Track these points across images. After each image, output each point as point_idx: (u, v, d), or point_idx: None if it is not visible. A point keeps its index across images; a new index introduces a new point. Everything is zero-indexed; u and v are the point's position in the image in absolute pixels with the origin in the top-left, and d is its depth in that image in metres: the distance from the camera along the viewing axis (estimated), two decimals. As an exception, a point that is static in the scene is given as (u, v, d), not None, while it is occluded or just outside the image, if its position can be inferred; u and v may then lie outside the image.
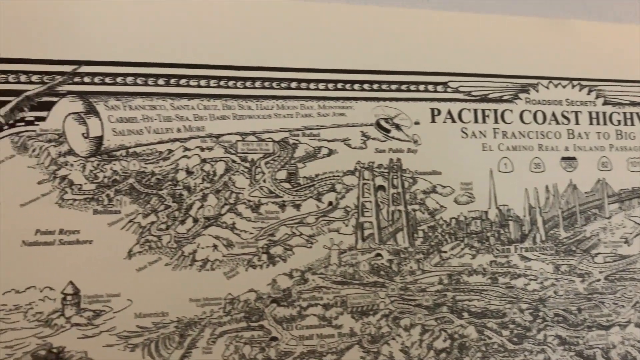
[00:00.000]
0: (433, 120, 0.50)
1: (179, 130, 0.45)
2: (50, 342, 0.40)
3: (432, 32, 0.52)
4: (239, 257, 0.44)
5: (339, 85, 0.49)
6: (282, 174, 0.46)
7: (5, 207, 0.41)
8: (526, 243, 0.51)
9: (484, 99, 0.52)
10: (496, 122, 0.52)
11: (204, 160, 0.45)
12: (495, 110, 0.52)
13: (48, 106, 0.43)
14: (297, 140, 0.47)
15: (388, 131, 0.49)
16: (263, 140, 0.46)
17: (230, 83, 0.46)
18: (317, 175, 0.47)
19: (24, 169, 0.41)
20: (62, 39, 0.43)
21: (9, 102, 0.42)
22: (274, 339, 0.44)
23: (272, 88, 0.47)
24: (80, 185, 0.42)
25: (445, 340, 0.48)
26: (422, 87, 0.51)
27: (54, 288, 0.41)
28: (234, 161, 0.46)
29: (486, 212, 0.50)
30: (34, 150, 0.42)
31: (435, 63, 0.51)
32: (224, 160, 0.45)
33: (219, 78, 0.46)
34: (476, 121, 0.52)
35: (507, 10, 0.54)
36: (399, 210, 0.48)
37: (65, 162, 0.42)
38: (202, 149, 0.45)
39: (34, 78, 0.43)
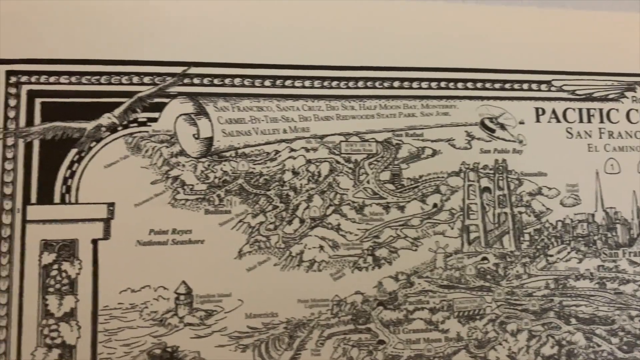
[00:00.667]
0: (537, 120, 0.49)
1: (284, 131, 0.45)
2: (164, 342, 0.41)
3: (535, 30, 0.50)
4: (345, 259, 0.44)
5: (443, 84, 0.48)
6: (385, 175, 0.46)
7: (121, 207, 0.42)
8: (635, 247, 0.49)
9: (589, 97, 0.50)
10: (602, 121, 0.50)
11: (309, 161, 0.45)
12: (601, 110, 0.50)
13: (160, 107, 0.43)
14: (400, 140, 0.46)
15: (493, 131, 0.48)
16: (366, 140, 0.46)
17: (334, 83, 0.46)
18: (421, 177, 0.46)
19: (137, 169, 0.42)
20: (172, 40, 0.44)
21: (122, 103, 0.43)
22: (382, 342, 0.43)
23: (375, 88, 0.47)
24: (192, 185, 0.43)
25: (552, 347, 0.46)
26: (525, 86, 0.49)
27: (168, 287, 0.41)
28: (338, 162, 0.45)
29: (593, 215, 0.49)
30: (147, 151, 0.42)
31: (539, 61, 0.50)
32: (328, 161, 0.45)
33: (323, 79, 0.46)
34: (581, 121, 0.50)
35: (612, 7, 0.52)
36: (505, 213, 0.47)
37: (177, 163, 0.43)
38: (307, 150, 0.45)
39: (146, 79, 0.43)
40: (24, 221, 0.40)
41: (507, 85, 0.49)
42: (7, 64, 0.42)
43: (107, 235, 0.41)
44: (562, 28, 0.51)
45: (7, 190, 0.41)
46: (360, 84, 0.46)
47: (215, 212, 0.43)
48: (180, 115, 0.43)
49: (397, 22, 0.48)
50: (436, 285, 0.45)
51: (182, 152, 0.43)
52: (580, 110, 0.50)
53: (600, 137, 0.50)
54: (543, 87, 0.49)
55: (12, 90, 0.42)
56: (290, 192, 0.44)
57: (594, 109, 0.50)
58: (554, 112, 0.49)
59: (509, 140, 0.48)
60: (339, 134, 0.45)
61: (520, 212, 0.47)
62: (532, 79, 0.49)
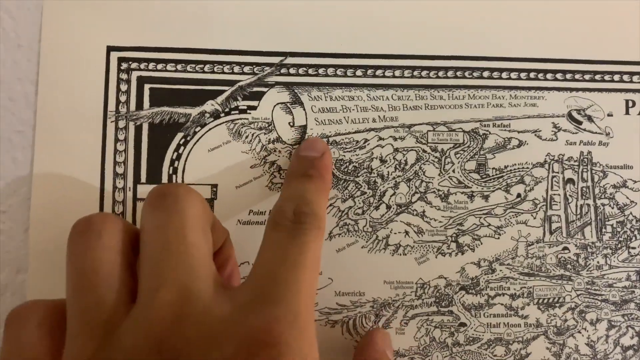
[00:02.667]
0: (627, 112, 0.49)
1: (374, 120, 0.46)
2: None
3: (625, 19, 0.49)
4: (429, 244, 0.46)
5: (532, 75, 0.48)
6: (471, 165, 0.47)
7: (223, 188, 0.45)
8: None
9: (682, 89, 0.49)
10: (694, 114, 0.49)
11: (396, 150, 0.46)
12: (694, 102, 0.49)
13: (258, 96, 0.45)
14: (487, 131, 0.47)
15: (580, 123, 0.48)
16: (453, 130, 0.47)
17: (424, 73, 0.47)
18: (506, 167, 0.47)
19: (238, 153, 0.45)
20: (271, 31, 0.46)
21: (224, 91, 0.45)
22: (463, 324, 0.46)
23: (464, 77, 0.47)
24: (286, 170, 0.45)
25: (632, 338, 0.47)
26: (617, 77, 0.49)
27: (264, 264, 0.44)
28: (424, 151, 0.47)
29: (679, 209, 0.48)
30: (246, 137, 0.45)
31: (631, 51, 0.49)
32: (415, 150, 0.47)
33: (413, 68, 0.47)
34: (672, 113, 0.49)
35: None
36: (588, 204, 0.48)
37: (274, 149, 0.45)
38: (395, 139, 0.46)
39: (246, 69, 0.46)
40: (135, 199, 0.44)
41: (597, 77, 0.48)
42: (119, 51, 0.45)
43: None
44: (658, 17, 0.49)
45: (119, 170, 0.44)
46: (449, 73, 0.47)
47: (309, 196, 0.45)
48: (277, 104, 0.46)
49: (486, 12, 0.48)
50: (517, 272, 0.46)
51: (278, 139, 0.45)
52: (672, 102, 0.49)
53: (692, 130, 0.49)
54: (635, 78, 0.49)
55: (124, 76, 0.45)
56: (377, 179, 0.46)
57: (687, 101, 0.49)
58: (644, 104, 0.49)
59: (596, 133, 0.48)
60: (427, 124, 0.47)
61: (604, 205, 0.48)
62: (623, 70, 0.49)
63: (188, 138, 0.45)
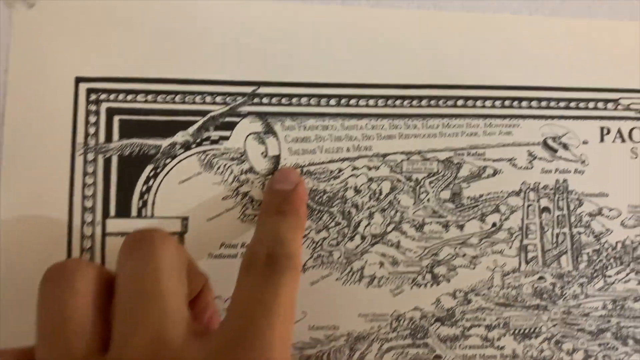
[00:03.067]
0: (602, 140, 0.48)
1: (348, 149, 0.46)
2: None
3: (599, 46, 0.49)
4: (405, 275, 0.45)
5: (507, 103, 0.48)
6: (446, 194, 0.46)
7: (194, 221, 0.44)
8: (697, 270, 0.48)
9: (657, 116, 0.49)
10: (669, 140, 0.49)
11: (370, 179, 0.46)
12: (669, 128, 0.49)
13: (231, 126, 0.45)
14: (461, 159, 0.47)
15: (555, 151, 0.48)
16: (427, 159, 0.47)
17: (398, 102, 0.47)
18: (481, 196, 0.47)
19: (209, 185, 0.44)
20: (243, 60, 0.45)
21: (196, 122, 0.45)
22: (438, 357, 0.45)
23: (438, 106, 0.47)
24: (260, 201, 0.44)
25: (608, 368, 0.47)
26: (591, 105, 0.49)
27: (236, 297, 0.44)
28: (399, 180, 0.46)
29: (654, 236, 0.48)
30: (218, 168, 0.44)
31: (606, 79, 0.49)
32: (389, 180, 0.46)
33: (387, 97, 0.47)
34: (647, 140, 0.49)
35: (687, 19, 0.50)
36: (564, 233, 0.47)
37: (247, 180, 0.44)
38: (369, 168, 0.46)
39: (218, 99, 0.45)
40: (104, 234, 0.43)
41: (572, 104, 0.48)
42: (88, 82, 0.44)
43: None
44: (633, 43, 0.49)
45: (88, 204, 0.43)
46: (423, 102, 0.47)
47: (282, 228, 0.44)
48: (250, 133, 0.45)
49: (460, 41, 0.48)
50: (493, 302, 0.46)
51: (251, 170, 0.45)
52: (646, 129, 0.49)
53: (667, 157, 0.49)
54: (610, 105, 0.49)
55: (93, 108, 0.44)
56: (352, 209, 0.45)
57: (662, 127, 0.49)
58: (619, 131, 0.49)
59: (571, 160, 0.48)
60: (401, 153, 0.46)
61: (580, 233, 0.47)
62: (599, 97, 0.49)
63: (158, 170, 0.44)
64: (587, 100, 0.48)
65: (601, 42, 0.49)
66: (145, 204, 0.44)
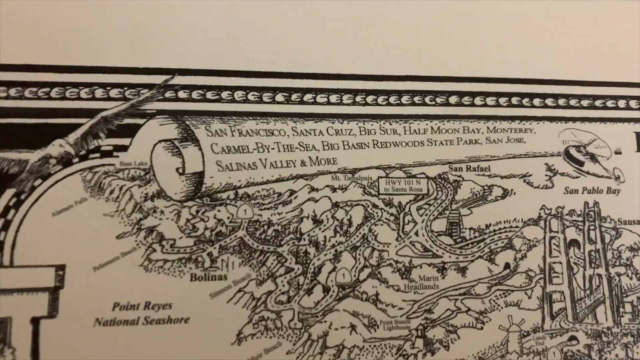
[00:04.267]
0: (639, 149, 0.37)
1: (303, 163, 0.33)
2: None
3: (632, 30, 0.38)
4: (386, 343, 0.32)
5: (515, 100, 0.36)
6: (440, 224, 0.34)
7: (74, 271, 0.30)
8: None
9: (702, 118, 0.38)
10: None
11: (335, 205, 0.34)
12: None
13: (131, 131, 0.33)
14: (459, 176, 0.35)
15: (581, 163, 0.36)
16: (413, 176, 0.34)
17: (370, 98, 0.35)
18: (487, 226, 0.35)
19: (98, 217, 0.32)
20: (150, 40, 0.33)
21: (80, 125, 0.32)
22: None
23: (425, 104, 0.35)
24: (173, 240, 0.32)
25: None
26: (622, 103, 0.38)
27: (138, 384, 0.30)
28: (375, 205, 0.34)
29: None
30: (112, 192, 0.32)
31: (635, 71, 0.38)
32: (361, 205, 0.34)
33: (355, 92, 0.35)
34: (694, 149, 0.38)
35: None
36: (599, 275, 0.35)
37: (154, 209, 0.31)
38: (334, 189, 0.34)
39: (113, 93, 0.33)
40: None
41: (598, 102, 0.37)
42: None
43: (53, 311, 0.31)
44: (666, 27, 0.39)
45: None
46: (405, 99, 0.35)
47: (205, 278, 0.32)
48: (159, 141, 0.32)
49: (453, 21, 0.36)
50: (510, 377, 0.33)
51: (160, 194, 0.32)
52: (693, 135, 0.38)
53: None
54: (645, 104, 0.38)
55: None
56: (310, 248, 0.33)
57: None
58: (660, 137, 0.38)
59: (602, 176, 0.36)
60: (377, 168, 0.34)
61: (619, 274, 0.36)
62: (631, 93, 0.38)
63: (23, 196, 0.31)
64: (616, 98, 0.38)
65: (630, 25, 0.38)
66: (1, 246, 0.30)
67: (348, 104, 0.34)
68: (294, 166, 0.33)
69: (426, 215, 0.34)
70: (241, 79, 0.33)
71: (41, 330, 0.30)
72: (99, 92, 0.32)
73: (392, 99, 0.35)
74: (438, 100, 0.35)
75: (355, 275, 0.33)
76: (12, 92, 0.32)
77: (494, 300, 0.34)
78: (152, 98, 0.32)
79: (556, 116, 0.37)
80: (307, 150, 0.33)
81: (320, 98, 0.34)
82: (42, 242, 0.31)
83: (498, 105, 0.36)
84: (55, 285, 0.31)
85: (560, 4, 0.38)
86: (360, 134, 0.34)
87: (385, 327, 0.33)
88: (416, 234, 0.34)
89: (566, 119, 0.37)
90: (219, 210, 0.32)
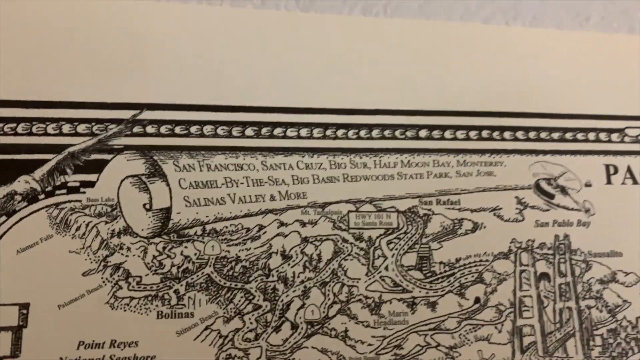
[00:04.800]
0: (609, 181, 0.37)
1: (272, 198, 0.33)
2: None
3: (603, 62, 0.39)
4: (355, 380, 0.32)
5: (485, 134, 0.36)
6: (410, 259, 0.34)
7: (38, 309, 0.29)
8: None
9: (673, 150, 0.39)
10: (690, 181, 0.38)
11: (305, 240, 0.33)
12: (689, 166, 0.39)
13: (99, 167, 0.32)
14: (429, 209, 0.34)
15: (551, 196, 0.36)
16: (383, 210, 0.34)
17: (340, 133, 0.34)
18: (458, 260, 0.34)
19: (64, 254, 0.31)
20: (119, 75, 0.32)
21: (46, 161, 0.31)
22: None
23: (395, 138, 0.35)
24: (139, 277, 0.31)
25: None
26: (592, 136, 0.38)
27: None
28: (345, 240, 0.33)
29: (683, 308, 0.36)
30: (78, 229, 0.31)
31: (608, 104, 0.38)
32: (331, 239, 0.33)
33: (325, 126, 0.34)
34: (664, 181, 0.38)
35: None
36: (569, 308, 0.35)
37: (120, 245, 0.31)
38: (303, 224, 0.33)
39: (81, 128, 0.32)
40: None
41: (569, 135, 0.37)
42: None
43: (16, 351, 0.29)
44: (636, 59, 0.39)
45: None
46: (375, 133, 0.35)
47: (172, 315, 0.31)
48: (127, 177, 0.32)
49: (423, 55, 0.36)
50: (480, 414, 0.33)
51: (127, 230, 0.31)
52: (662, 167, 0.38)
53: (690, 203, 0.38)
54: (614, 137, 0.38)
55: None
56: (278, 284, 0.32)
57: (679, 165, 0.38)
58: (629, 170, 0.38)
59: (572, 209, 0.36)
60: (347, 202, 0.33)
61: (589, 307, 0.35)
62: (601, 126, 0.38)
63: None
64: (587, 130, 0.38)
65: (599, 58, 0.38)
66: (-38, 284, 0.29)
67: (318, 138, 0.34)
68: (263, 201, 0.33)
69: (396, 249, 0.34)
70: (210, 114, 0.33)
71: (3, 371, 0.30)
72: (66, 128, 0.32)
73: (362, 133, 0.35)
74: (408, 134, 0.35)
75: (324, 312, 0.33)
76: (-23, 127, 0.31)
77: (464, 335, 0.33)
78: (120, 133, 0.32)
79: (527, 149, 0.36)
80: (276, 184, 0.33)
81: (291, 132, 0.34)
82: (5, 280, 0.30)
83: (468, 138, 0.36)
84: (19, 324, 0.29)
85: (529, 36, 0.38)
86: (331, 168, 0.34)
87: (354, 363, 0.32)
88: (386, 268, 0.34)
89: (537, 152, 0.37)
90: (185, 247, 0.31)
